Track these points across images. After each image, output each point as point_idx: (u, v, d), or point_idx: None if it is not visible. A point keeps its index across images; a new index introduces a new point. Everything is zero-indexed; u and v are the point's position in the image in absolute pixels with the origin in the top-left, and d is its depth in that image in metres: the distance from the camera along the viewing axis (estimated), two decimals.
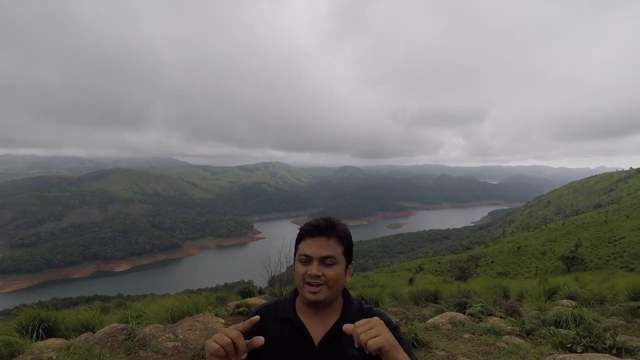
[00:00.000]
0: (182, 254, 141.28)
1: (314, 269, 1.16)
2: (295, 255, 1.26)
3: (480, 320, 4.78)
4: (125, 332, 3.68)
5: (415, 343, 3.71)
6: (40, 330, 4.30)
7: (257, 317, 1.11)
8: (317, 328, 1.21)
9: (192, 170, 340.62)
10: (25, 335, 4.01)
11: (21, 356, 3.34)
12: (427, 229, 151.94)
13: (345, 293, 1.29)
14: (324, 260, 1.17)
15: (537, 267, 35.30)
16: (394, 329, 1.15)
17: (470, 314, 4.92)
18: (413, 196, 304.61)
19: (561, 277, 15.19)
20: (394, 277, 34.14)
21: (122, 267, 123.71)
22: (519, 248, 43.69)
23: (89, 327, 4.71)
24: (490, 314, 5.12)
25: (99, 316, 5.41)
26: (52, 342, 3.96)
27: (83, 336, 3.88)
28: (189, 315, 4.57)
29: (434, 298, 7.59)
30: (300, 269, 1.19)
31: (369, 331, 1.06)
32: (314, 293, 1.16)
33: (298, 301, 1.27)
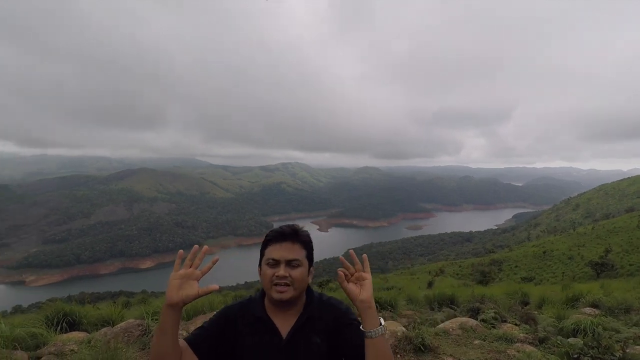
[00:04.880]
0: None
1: (281, 270, 1.30)
2: (261, 259, 1.39)
3: (493, 327, 4.69)
4: (141, 327, 3.83)
5: (422, 348, 3.70)
6: (64, 324, 4.53)
7: (217, 257, 1.37)
8: (284, 323, 1.36)
9: (213, 170, 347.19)
10: (51, 328, 4.23)
11: (45, 347, 3.53)
12: (448, 231, 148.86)
13: (308, 290, 1.44)
14: (290, 263, 1.32)
15: (563, 273, 34.08)
16: (345, 311, 1.41)
17: (483, 320, 4.83)
18: (434, 197, 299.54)
19: (588, 283, 14.64)
20: (413, 279, 33.70)
21: (147, 263, 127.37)
22: (544, 252, 42.27)
23: (110, 322, 4.92)
24: (504, 321, 5.01)
25: (119, 311, 5.64)
26: (75, 335, 4.16)
27: (103, 330, 4.07)
28: (203, 314, 4.71)
29: (450, 302, 7.48)
30: (268, 271, 1.32)
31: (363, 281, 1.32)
32: (281, 292, 1.30)
33: (266, 301, 1.41)
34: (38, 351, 3.42)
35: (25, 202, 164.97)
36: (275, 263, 1.32)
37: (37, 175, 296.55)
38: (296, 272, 1.32)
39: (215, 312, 1.47)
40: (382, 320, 1.29)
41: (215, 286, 1.31)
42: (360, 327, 1.29)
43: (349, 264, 1.35)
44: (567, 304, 6.79)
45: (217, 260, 1.34)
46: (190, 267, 1.27)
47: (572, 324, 4.59)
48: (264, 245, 1.39)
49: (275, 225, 1.30)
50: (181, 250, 1.33)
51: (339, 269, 1.36)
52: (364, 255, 1.35)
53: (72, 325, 4.64)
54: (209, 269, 1.31)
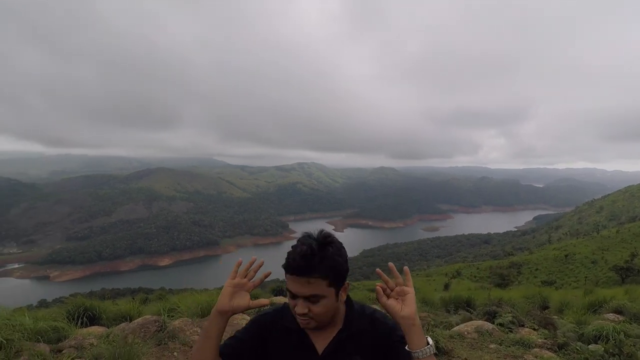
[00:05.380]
0: (220, 251, 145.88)
1: (299, 307, 1.17)
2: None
3: (510, 331, 4.58)
4: (157, 324, 3.92)
5: (436, 350, 3.64)
6: (84, 318, 4.66)
7: (269, 272, 1.33)
8: (320, 338, 1.25)
9: (230, 169, 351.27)
10: (72, 322, 4.36)
11: (66, 341, 3.65)
12: (466, 233, 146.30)
13: (347, 301, 1.31)
14: (309, 299, 1.17)
15: (586, 277, 33.10)
16: (392, 327, 1.26)
17: (500, 324, 4.73)
18: (451, 199, 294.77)
19: (612, 289, 14.15)
20: (429, 281, 33.35)
21: (165, 261, 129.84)
22: (566, 256, 41.13)
23: (128, 318, 5.04)
24: (522, 325, 4.89)
25: (137, 307, 5.78)
26: (94, 329, 4.28)
27: (121, 326, 4.18)
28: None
29: (467, 305, 7.35)
30: (291, 302, 1.21)
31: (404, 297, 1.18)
32: (305, 323, 1.20)
33: None
34: (59, 344, 3.53)
35: (51, 200, 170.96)
36: (293, 296, 1.19)
37: (61, 174, 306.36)
38: (317, 307, 1.17)
39: (249, 320, 1.39)
40: (429, 340, 1.17)
41: (266, 300, 1.26)
42: (406, 347, 1.16)
43: (387, 278, 1.23)
44: (589, 310, 6.58)
45: (269, 274, 1.32)
46: (245, 277, 1.25)
47: (593, 330, 4.44)
48: (285, 269, 1.22)
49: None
50: (240, 259, 1.29)
51: (378, 284, 1.24)
52: (405, 268, 1.23)
53: (92, 319, 4.77)
54: (261, 281, 1.28)
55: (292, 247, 1.20)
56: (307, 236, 1.21)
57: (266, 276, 1.32)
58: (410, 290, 1.20)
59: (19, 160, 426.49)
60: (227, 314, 1.21)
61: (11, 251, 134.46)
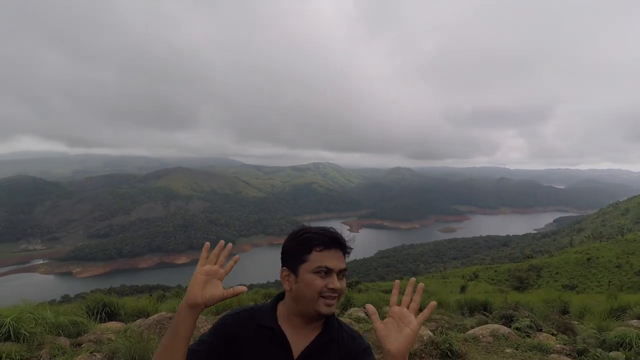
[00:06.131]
0: (236, 250, 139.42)
1: (337, 282, 1.11)
2: (296, 263, 1.15)
3: (527, 336, 4.46)
4: (171, 320, 3.99)
5: (449, 353, 3.59)
6: (103, 314, 4.81)
7: (238, 257, 1.19)
8: (297, 340, 1.15)
9: (246, 169, 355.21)
10: (91, 317, 4.51)
11: (86, 335, 3.78)
12: (483, 235, 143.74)
13: None
14: (340, 273, 1.14)
15: (609, 282, 32.04)
16: (364, 349, 1.17)
17: (517, 328, 4.62)
18: (469, 200, 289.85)
19: (637, 294, 13.64)
20: (445, 283, 32.95)
21: (182, 259, 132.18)
22: (588, 259, 39.90)
23: (144, 314, 5.16)
24: (540, 330, 4.76)
25: (154, 304, 5.93)
26: (113, 325, 4.41)
27: (138, 322, 4.29)
28: (231, 309, 4.82)
29: (483, 308, 7.22)
30: (319, 282, 1.10)
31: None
32: (330, 306, 1.11)
33: (282, 310, 1.20)
34: (79, 338, 3.66)
35: (74, 198, 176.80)
36: (328, 272, 1.11)
37: (83, 173, 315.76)
38: (344, 283, 1.15)
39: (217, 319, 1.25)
40: None
41: (244, 288, 1.14)
42: None
43: (396, 292, 1.13)
44: (611, 315, 6.36)
45: (237, 259, 1.20)
46: (215, 263, 1.14)
47: (615, 337, 4.29)
48: (306, 248, 1.15)
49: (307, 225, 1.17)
50: (208, 243, 1.16)
51: (368, 304, 1.14)
52: (420, 285, 1.10)
53: (111, 315, 4.91)
54: (231, 267, 1.18)
55: (319, 233, 1.17)
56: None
57: (235, 262, 1.19)
58: (412, 319, 1.06)
59: (44, 160, 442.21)
60: (199, 307, 1.07)
61: (36, 247, 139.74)
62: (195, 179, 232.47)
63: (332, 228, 1.20)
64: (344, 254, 1.17)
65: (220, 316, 1.26)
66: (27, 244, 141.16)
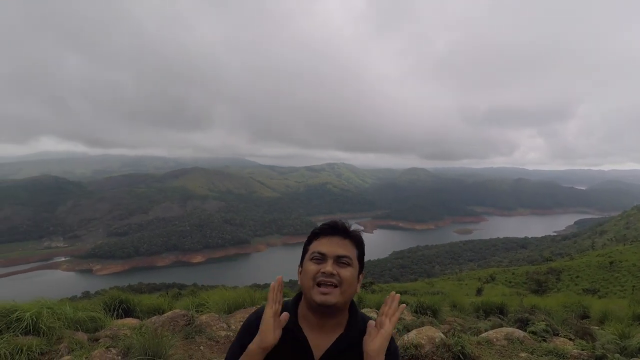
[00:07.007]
0: (251, 250, 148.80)
1: (328, 266, 1.10)
2: (304, 257, 1.19)
3: (544, 340, 4.35)
4: (185, 318, 4.07)
5: (461, 356, 3.53)
6: (120, 310, 4.93)
7: (287, 314, 1.17)
8: (318, 341, 1.15)
9: (261, 170, 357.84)
10: (108, 313, 4.63)
11: (103, 330, 3.89)
12: (501, 237, 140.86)
13: (352, 307, 1.22)
14: (339, 260, 1.12)
15: (634, 287, 30.88)
16: (392, 352, 1.17)
17: (532, 332, 4.50)
18: (486, 200, 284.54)
19: None
20: (460, 285, 32.48)
21: (198, 258, 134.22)
22: (611, 263, 38.56)
23: (160, 311, 5.27)
24: (557, 334, 4.63)
25: (169, 302, 6.04)
26: (129, 321, 4.52)
27: (152, 319, 4.37)
28: (244, 308, 4.88)
29: (499, 312, 7.08)
30: (312, 267, 1.12)
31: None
32: (326, 294, 1.09)
33: (301, 309, 1.20)
34: (96, 333, 3.77)
35: (94, 197, 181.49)
36: (322, 258, 1.12)
37: (102, 173, 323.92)
38: (346, 272, 1.12)
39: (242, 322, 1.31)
40: None
41: (286, 315, 1.17)
42: None
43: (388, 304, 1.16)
44: (634, 321, 6.15)
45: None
46: (277, 301, 1.15)
47: (637, 343, 4.14)
48: (309, 240, 1.20)
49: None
50: (273, 284, 1.17)
51: (370, 321, 1.20)
52: (395, 295, 1.14)
53: (127, 312, 5.04)
54: (288, 317, 1.17)
55: (321, 224, 1.23)
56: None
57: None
58: (387, 324, 1.12)
59: (66, 160, 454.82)
60: (269, 349, 1.10)
61: (59, 245, 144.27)
62: (211, 179, 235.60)
63: (342, 220, 1.21)
64: (350, 241, 1.17)
65: (248, 317, 1.29)
66: (49, 241, 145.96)
